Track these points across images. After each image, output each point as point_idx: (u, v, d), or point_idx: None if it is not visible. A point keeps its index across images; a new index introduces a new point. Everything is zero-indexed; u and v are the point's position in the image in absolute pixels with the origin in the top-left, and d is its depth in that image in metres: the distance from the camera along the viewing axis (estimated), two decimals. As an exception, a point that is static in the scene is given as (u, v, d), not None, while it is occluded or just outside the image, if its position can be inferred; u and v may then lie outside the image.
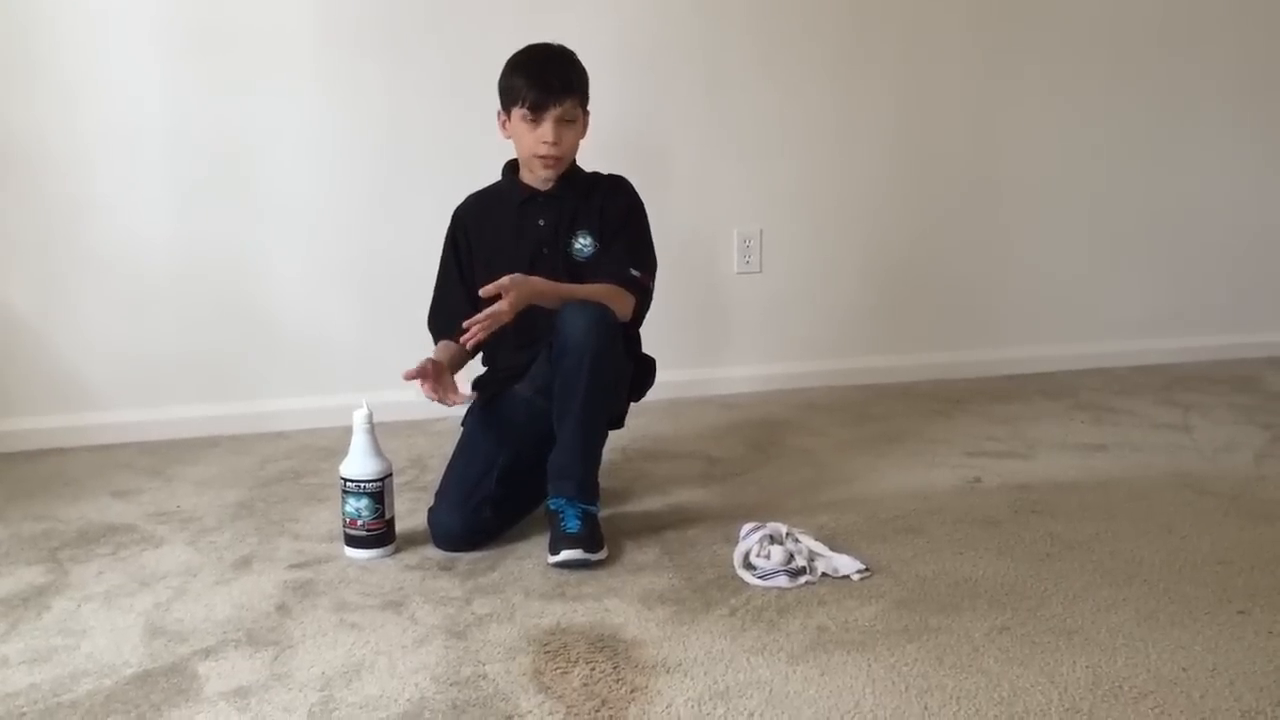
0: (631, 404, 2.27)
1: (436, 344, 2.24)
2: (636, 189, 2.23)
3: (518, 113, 2.11)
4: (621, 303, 2.10)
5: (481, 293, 1.99)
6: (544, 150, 2.10)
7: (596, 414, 2.05)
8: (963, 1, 3.26)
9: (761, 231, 3.20)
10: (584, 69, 2.16)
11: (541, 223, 2.17)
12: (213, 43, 2.74)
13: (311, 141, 2.84)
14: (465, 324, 1.97)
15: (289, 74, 2.80)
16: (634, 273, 2.14)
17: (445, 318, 2.24)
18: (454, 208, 2.27)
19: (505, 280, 1.98)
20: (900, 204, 3.31)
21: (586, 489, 2.04)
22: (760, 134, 3.16)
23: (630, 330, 2.18)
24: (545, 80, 2.09)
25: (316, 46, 2.82)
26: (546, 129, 2.09)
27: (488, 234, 2.22)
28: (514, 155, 2.21)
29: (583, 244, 2.17)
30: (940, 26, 3.25)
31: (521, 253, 2.16)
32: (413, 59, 2.87)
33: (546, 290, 2.04)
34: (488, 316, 1.96)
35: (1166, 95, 3.47)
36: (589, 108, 2.18)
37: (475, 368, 2.30)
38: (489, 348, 2.25)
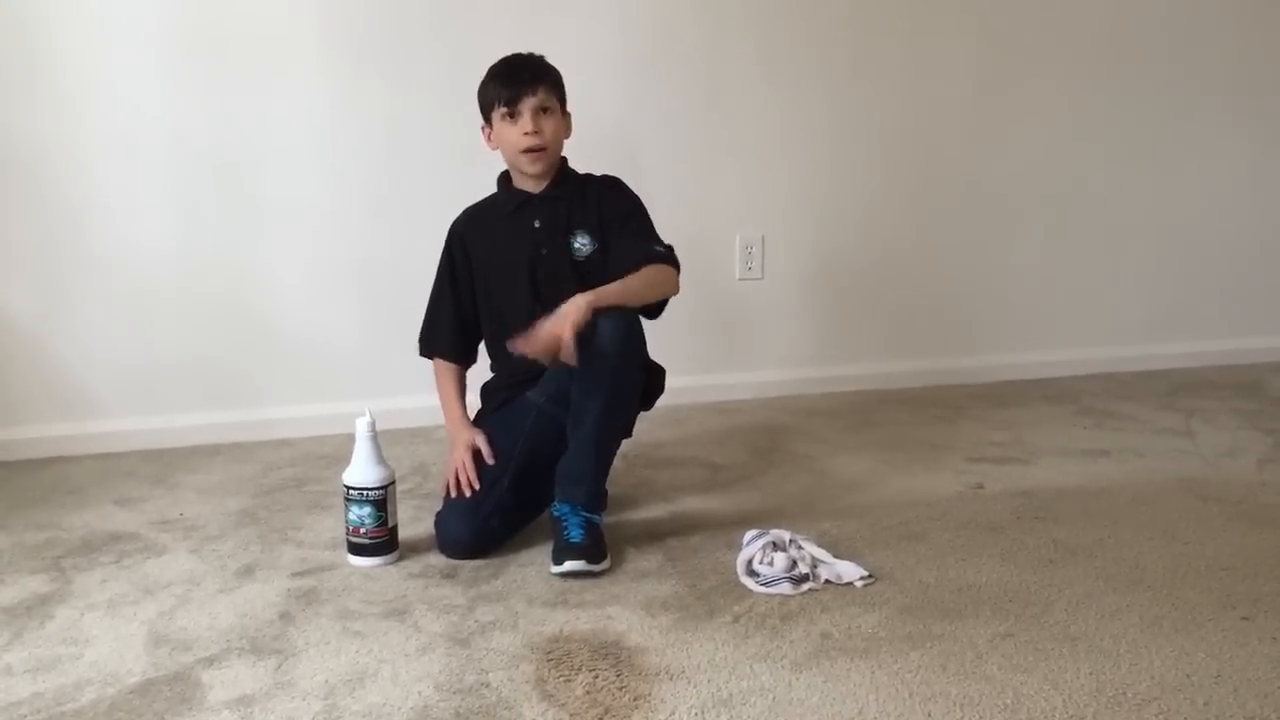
0: (640, 412, 2.28)
1: (436, 372, 2.27)
2: (633, 190, 2.24)
3: (497, 115, 2.14)
4: (666, 278, 2.11)
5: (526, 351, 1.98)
6: (527, 142, 2.12)
7: (616, 421, 2.06)
8: (963, 7, 3.26)
9: (764, 238, 3.21)
10: (556, 70, 2.19)
11: (536, 224, 2.18)
12: (214, 48, 2.74)
13: (313, 147, 2.84)
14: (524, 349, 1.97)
15: (290, 79, 2.81)
16: (659, 248, 2.16)
17: (437, 337, 2.26)
18: (456, 214, 2.28)
19: (569, 311, 1.94)
20: (902, 209, 3.31)
21: (595, 497, 2.04)
22: (762, 139, 3.16)
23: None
24: (517, 74, 2.14)
25: (318, 52, 2.82)
26: (526, 120, 2.11)
27: (484, 246, 2.23)
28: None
29: (582, 243, 2.18)
30: (941, 32, 3.25)
31: (520, 256, 2.17)
32: (414, 64, 2.87)
33: (605, 298, 1.99)
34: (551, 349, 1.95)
35: (1168, 100, 3.47)
36: (571, 109, 2.20)
37: (479, 374, 2.31)
38: (499, 354, 2.26)
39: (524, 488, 2.10)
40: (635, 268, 2.08)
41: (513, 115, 2.12)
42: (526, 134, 2.11)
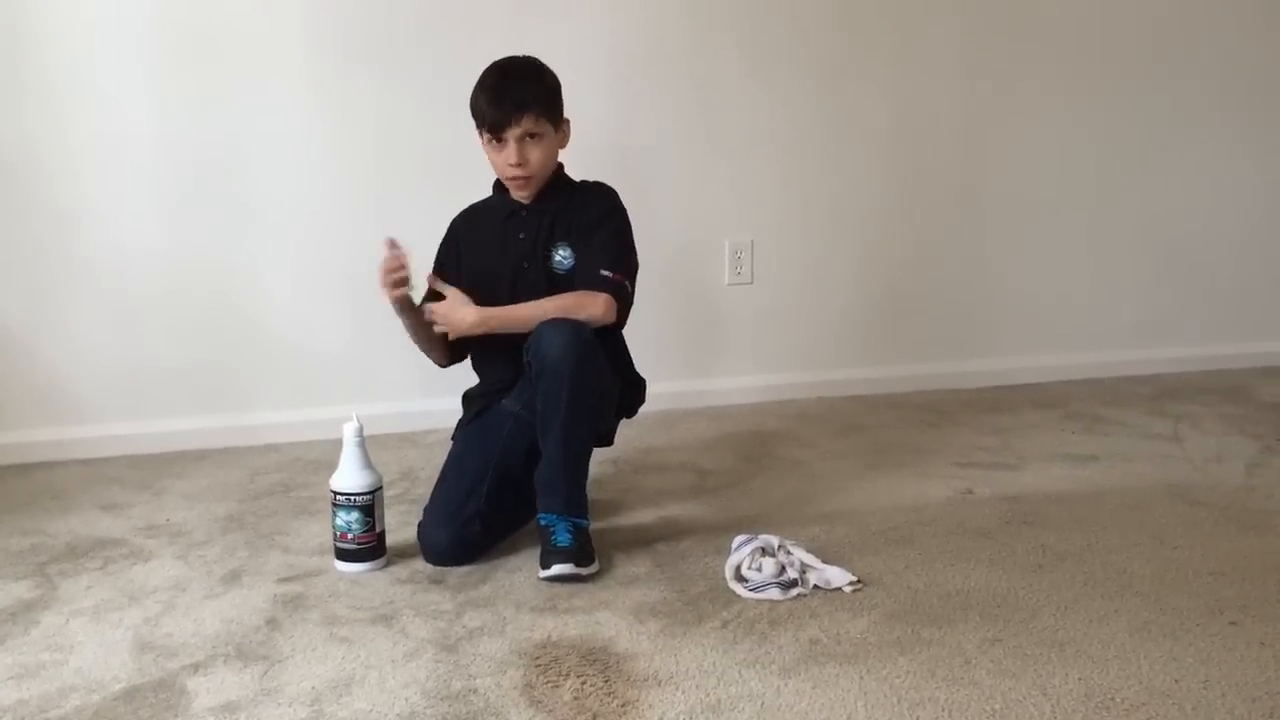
0: (621, 420, 2.28)
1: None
2: (620, 194, 2.22)
3: (484, 136, 2.12)
4: (591, 306, 2.06)
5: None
6: (511, 172, 2.11)
7: (579, 430, 2.03)
8: (953, 11, 3.27)
9: (753, 242, 3.21)
10: (552, 81, 2.14)
11: (522, 236, 2.18)
12: (202, 52, 2.74)
13: (301, 151, 2.84)
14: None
15: (278, 83, 2.80)
16: (604, 273, 2.09)
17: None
18: (445, 217, 2.29)
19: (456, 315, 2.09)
20: (891, 214, 3.32)
21: (574, 503, 2.03)
22: (751, 144, 3.16)
23: (614, 329, 2.16)
24: (501, 99, 2.07)
25: (306, 55, 2.81)
26: (510, 150, 2.08)
27: (475, 248, 2.24)
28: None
29: (561, 256, 2.16)
30: (931, 36, 3.26)
31: (504, 268, 2.17)
32: (402, 68, 2.86)
33: (511, 318, 2.06)
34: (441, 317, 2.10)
35: (1157, 106, 3.48)
36: (568, 115, 2.17)
37: (467, 380, 2.30)
38: (477, 362, 2.27)
39: (503, 493, 2.09)
40: (583, 286, 2.09)
41: (498, 140, 2.09)
42: (511, 164, 2.09)
